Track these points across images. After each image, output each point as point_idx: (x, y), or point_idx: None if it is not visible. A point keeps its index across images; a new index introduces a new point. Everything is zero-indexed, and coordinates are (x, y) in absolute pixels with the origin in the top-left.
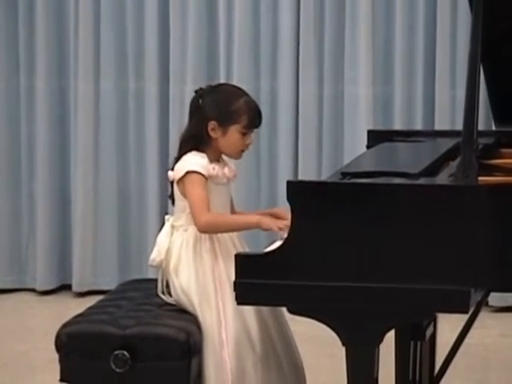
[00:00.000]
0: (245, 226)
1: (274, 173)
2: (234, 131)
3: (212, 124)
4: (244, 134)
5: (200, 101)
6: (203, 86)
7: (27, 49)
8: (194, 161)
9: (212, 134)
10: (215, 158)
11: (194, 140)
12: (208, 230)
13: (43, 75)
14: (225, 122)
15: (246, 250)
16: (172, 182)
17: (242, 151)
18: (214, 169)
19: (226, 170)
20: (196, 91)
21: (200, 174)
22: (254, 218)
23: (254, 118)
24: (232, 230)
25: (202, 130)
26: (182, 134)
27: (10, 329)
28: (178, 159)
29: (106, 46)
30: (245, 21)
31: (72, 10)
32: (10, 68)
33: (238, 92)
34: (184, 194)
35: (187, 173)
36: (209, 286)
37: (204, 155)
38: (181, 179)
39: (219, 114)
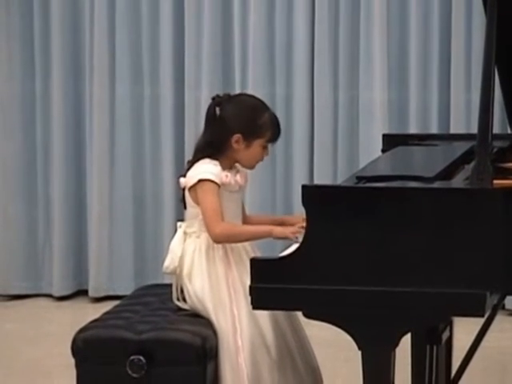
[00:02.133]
0: (258, 235)
1: (289, 177)
2: (257, 145)
3: (237, 137)
4: (264, 148)
5: (217, 109)
6: (218, 91)
7: (43, 54)
8: (207, 169)
9: (235, 146)
10: (228, 166)
11: (210, 148)
12: (222, 240)
13: (59, 80)
14: (250, 136)
15: (258, 255)
16: (184, 189)
17: (257, 163)
18: (226, 176)
19: (238, 177)
20: (213, 98)
21: (213, 182)
22: (266, 228)
23: (276, 132)
24: (245, 240)
25: (223, 140)
26: (198, 141)
27: (26, 334)
28: (191, 166)
29: (122, 52)
30: (259, 27)
31: (87, 15)
32: (25, 73)
33: (263, 105)
34: (196, 202)
35: (199, 181)
36: (223, 292)
37: (217, 163)
38: (193, 187)
39: (245, 128)
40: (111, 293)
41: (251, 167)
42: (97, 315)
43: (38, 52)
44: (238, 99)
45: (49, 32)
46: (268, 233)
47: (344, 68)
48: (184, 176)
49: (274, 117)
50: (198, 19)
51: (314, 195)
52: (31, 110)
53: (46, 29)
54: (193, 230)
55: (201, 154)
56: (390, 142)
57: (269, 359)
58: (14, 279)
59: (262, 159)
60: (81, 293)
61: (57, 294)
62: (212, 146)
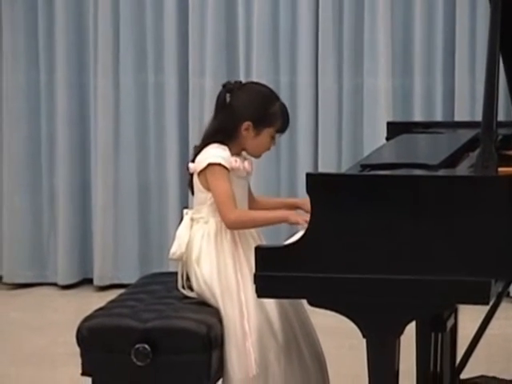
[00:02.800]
0: (273, 221)
1: (293, 165)
2: (266, 134)
3: (247, 124)
4: (273, 137)
5: (228, 96)
6: (222, 79)
7: (47, 44)
8: (217, 153)
9: (244, 133)
10: (236, 152)
11: (220, 135)
12: (237, 226)
13: (63, 70)
14: (260, 125)
15: (264, 242)
16: (192, 174)
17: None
18: (236, 161)
19: (246, 163)
20: (224, 85)
21: (223, 166)
22: (280, 213)
23: (286, 122)
24: (260, 226)
25: (234, 128)
26: (207, 127)
27: (31, 323)
28: (199, 151)
29: (126, 41)
30: (264, 14)
31: (91, 6)
32: (29, 63)
33: (273, 95)
34: (206, 186)
35: (209, 165)
36: (230, 277)
37: (226, 147)
38: (202, 171)
39: (256, 116)
40: (116, 281)
41: (258, 156)
42: (102, 304)
43: (42, 42)
44: (250, 87)
45: (53, 22)
46: (283, 218)
47: (348, 56)
48: (192, 161)
49: (284, 107)
50: (202, 7)
51: (318, 183)
52: (36, 100)
53: (50, 19)
54: (201, 216)
55: (209, 140)
56: (395, 129)
57: (275, 344)
58: (20, 268)
59: (269, 149)
60: (86, 281)
61: (62, 282)
62: (221, 133)
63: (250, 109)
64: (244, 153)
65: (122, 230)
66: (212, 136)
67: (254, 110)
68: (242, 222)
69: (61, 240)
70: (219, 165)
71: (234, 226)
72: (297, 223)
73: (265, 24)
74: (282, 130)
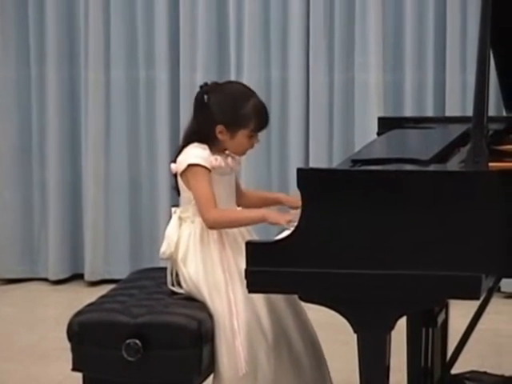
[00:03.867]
0: (251, 221)
1: (284, 160)
2: (241, 135)
3: (220, 127)
4: (251, 137)
5: (205, 97)
6: (213, 74)
7: (37, 38)
8: (196, 153)
9: (219, 136)
10: (217, 151)
11: (197, 136)
12: (216, 226)
13: (53, 64)
14: (233, 127)
15: (255, 238)
16: (175, 175)
17: (247, 150)
18: (216, 160)
19: (230, 160)
20: (201, 86)
21: (202, 166)
22: (259, 213)
23: (261, 122)
24: (239, 226)
25: (209, 130)
26: (186, 128)
27: (22, 318)
28: (180, 151)
29: (116, 35)
30: (255, 9)
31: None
32: (20, 57)
33: (246, 93)
34: (188, 187)
35: (189, 166)
36: (218, 276)
37: (206, 147)
38: (184, 172)
39: (227, 119)
40: (107, 276)
41: (240, 155)
42: (93, 299)
43: (33, 36)
44: (223, 88)
45: (43, 16)
46: (261, 218)
47: (339, 50)
48: (174, 162)
49: (260, 105)
50: (193, 2)
51: (309, 178)
52: (26, 94)
53: (40, 12)
54: (187, 215)
55: (188, 140)
56: (386, 125)
57: (265, 342)
58: (10, 263)
59: (251, 147)
60: (77, 277)
61: (53, 277)
62: (199, 134)
63: (221, 112)
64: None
65: (113, 225)
66: (190, 137)
67: (225, 113)
68: (221, 222)
69: (51, 235)
70: (198, 165)
71: (213, 225)
72: (277, 223)
73: (256, 19)
74: (257, 129)
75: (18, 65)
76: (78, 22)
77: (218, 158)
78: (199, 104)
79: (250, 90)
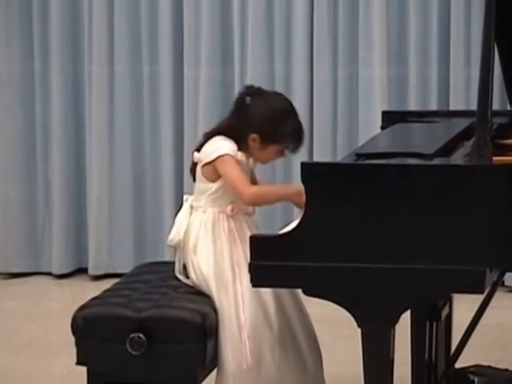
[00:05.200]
0: (288, 195)
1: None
2: (272, 149)
3: (254, 136)
4: (281, 153)
5: (247, 99)
6: (217, 69)
7: (41, 33)
8: (226, 145)
9: (251, 143)
10: (243, 151)
11: (230, 134)
12: (255, 200)
13: (57, 59)
14: (267, 140)
15: (260, 231)
16: (195, 163)
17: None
18: (242, 155)
19: (251, 161)
20: (247, 87)
21: (232, 156)
22: (294, 189)
23: (297, 144)
24: (277, 201)
25: (243, 134)
26: (223, 121)
27: (26, 312)
28: (206, 140)
29: (120, 30)
30: (258, 3)
31: None
32: (24, 52)
33: (289, 112)
34: (209, 178)
35: (219, 157)
36: (226, 268)
37: (233, 141)
38: (211, 162)
39: (264, 131)
40: (111, 271)
41: (263, 163)
42: (96, 293)
43: (37, 31)
44: (269, 98)
45: (48, 11)
46: (296, 193)
47: (343, 44)
48: (198, 150)
49: (299, 128)
50: None
51: (313, 172)
52: (30, 90)
53: (44, 8)
54: (199, 205)
55: (219, 132)
56: (390, 118)
57: (270, 335)
58: (14, 257)
59: (275, 159)
60: (80, 271)
61: (57, 272)
62: (232, 133)
63: (261, 122)
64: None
65: (117, 219)
66: (223, 131)
67: (264, 124)
68: (261, 197)
69: (56, 229)
70: (228, 155)
71: (253, 200)
72: (299, 205)
73: (260, 13)
74: (291, 149)
75: (22, 60)
76: (82, 17)
77: (244, 155)
78: (240, 104)
79: (293, 107)
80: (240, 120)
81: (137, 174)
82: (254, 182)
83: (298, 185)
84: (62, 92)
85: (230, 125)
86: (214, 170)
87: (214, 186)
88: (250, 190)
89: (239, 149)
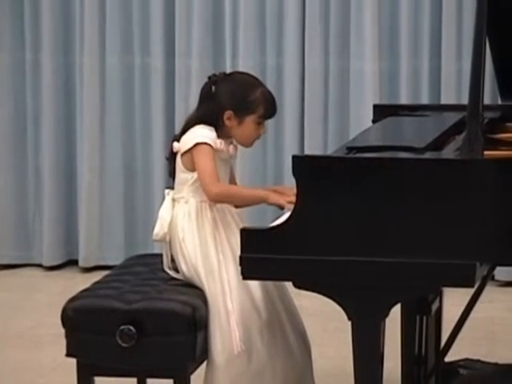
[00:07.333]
0: (254, 198)
1: (280, 148)
2: (249, 121)
3: (228, 113)
4: (258, 124)
5: (213, 88)
6: (209, 61)
7: (33, 24)
8: (204, 133)
9: (227, 122)
10: (224, 137)
11: (205, 119)
12: (219, 199)
13: (49, 50)
14: (241, 112)
15: (244, 223)
16: (174, 154)
17: (254, 140)
18: (220, 143)
19: (231, 147)
20: (209, 77)
21: (209, 145)
22: (261, 192)
23: (270, 108)
24: (241, 202)
25: (216, 117)
26: (190, 116)
27: (16, 304)
28: (183, 131)
29: (112, 21)
30: None
31: None
32: (15, 43)
33: (255, 82)
34: (188, 167)
35: (196, 144)
36: (211, 255)
37: (212, 129)
38: (188, 151)
39: (236, 104)
40: (101, 263)
41: (248, 145)
42: (87, 285)
43: (28, 21)
44: (232, 76)
45: (39, 1)
46: (264, 197)
47: (335, 38)
48: (177, 141)
49: (268, 93)
50: None
51: (304, 166)
52: (21, 80)
53: None
54: (181, 196)
55: (193, 124)
56: (381, 112)
57: (259, 321)
58: (4, 249)
59: (258, 137)
60: (71, 262)
61: (47, 263)
62: (207, 118)
63: (230, 97)
64: (234, 141)
65: (108, 211)
66: (198, 120)
67: (234, 98)
68: (224, 196)
69: (46, 221)
70: (205, 143)
71: (215, 198)
72: (277, 203)
73: (251, 6)
74: (265, 116)
75: (12, 50)
76: (73, 8)
77: (223, 142)
78: (206, 94)
79: (258, 80)
80: (208, 107)
81: (128, 166)
82: (232, 180)
83: (266, 190)
84: (53, 83)
85: (200, 115)
86: (193, 158)
87: (195, 175)
88: (216, 188)
89: (219, 136)
